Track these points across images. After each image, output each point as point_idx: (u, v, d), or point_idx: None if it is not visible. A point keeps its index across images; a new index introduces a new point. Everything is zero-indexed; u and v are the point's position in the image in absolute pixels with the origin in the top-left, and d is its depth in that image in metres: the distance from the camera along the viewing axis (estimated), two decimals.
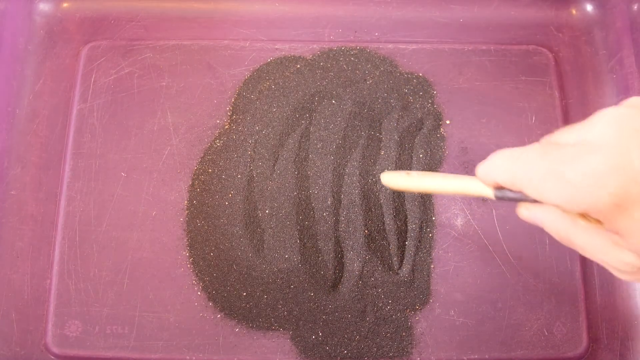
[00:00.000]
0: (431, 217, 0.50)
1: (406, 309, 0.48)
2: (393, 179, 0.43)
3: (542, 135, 0.52)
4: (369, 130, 0.52)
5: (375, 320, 0.48)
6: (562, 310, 0.48)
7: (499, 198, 0.35)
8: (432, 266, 0.49)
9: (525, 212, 0.34)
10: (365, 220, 0.50)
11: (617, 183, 0.27)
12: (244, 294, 0.48)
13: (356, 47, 0.56)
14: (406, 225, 0.50)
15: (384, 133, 0.52)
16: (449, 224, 0.50)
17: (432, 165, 0.52)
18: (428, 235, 0.50)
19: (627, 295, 0.49)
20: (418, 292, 0.49)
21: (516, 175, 0.31)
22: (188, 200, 0.51)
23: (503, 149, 0.32)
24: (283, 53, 0.55)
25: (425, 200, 0.51)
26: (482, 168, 0.34)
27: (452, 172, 0.51)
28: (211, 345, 0.47)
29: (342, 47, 0.56)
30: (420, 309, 0.48)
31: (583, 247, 0.31)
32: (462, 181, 0.38)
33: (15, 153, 0.52)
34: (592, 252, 0.31)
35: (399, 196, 0.50)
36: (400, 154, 0.51)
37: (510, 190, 0.33)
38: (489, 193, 0.36)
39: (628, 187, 0.26)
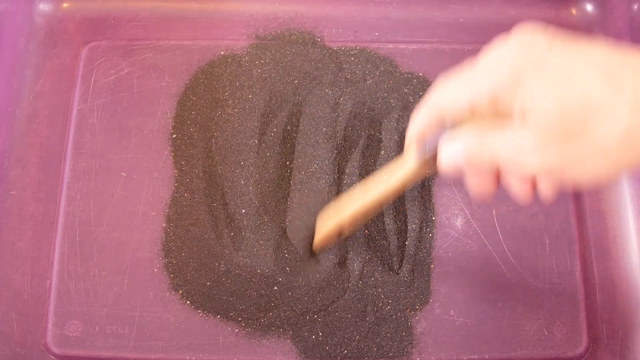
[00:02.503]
0: (431, 217, 0.50)
1: (406, 309, 0.48)
2: (323, 241, 0.45)
3: (418, 156, 0.52)
4: (368, 130, 0.52)
5: (375, 320, 0.48)
6: (562, 310, 0.48)
7: (422, 155, 0.36)
8: (432, 266, 0.49)
9: (446, 151, 0.34)
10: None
11: (514, 55, 0.30)
12: (243, 295, 0.48)
13: (356, 47, 0.56)
14: (406, 225, 0.50)
15: (383, 133, 0.52)
16: (449, 224, 0.50)
17: None
18: (428, 235, 0.50)
19: (627, 295, 0.49)
20: (418, 292, 0.49)
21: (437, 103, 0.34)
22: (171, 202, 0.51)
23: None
24: (282, 53, 0.55)
25: (425, 200, 0.51)
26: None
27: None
28: (211, 345, 0.47)
29: (342, 47, 0.56)
30: (420, 309, 0.48)
31: (499, 152, 0.32)
32: (382, 182, 0.39)
33: (15, 153, 0.52)
34: (508, 154, 0.31)
35: (399, 197, 0.50)
36: (400, 154, 0.51)
37: (429, 139, 0.35)
38: (412, 164, 0.37)
39: (524, 57, 0.30)
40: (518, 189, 0.36)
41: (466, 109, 0.32)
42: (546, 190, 0.36)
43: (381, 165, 0.51)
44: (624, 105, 0.28)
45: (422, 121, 0.35)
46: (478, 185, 0.37)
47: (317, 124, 0.52)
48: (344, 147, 0.52)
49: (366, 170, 0.51)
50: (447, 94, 0.33)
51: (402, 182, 0.38)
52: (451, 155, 0.34)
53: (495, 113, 0.31)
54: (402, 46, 0.56)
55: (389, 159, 0.51)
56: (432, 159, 0.35)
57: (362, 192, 0.42)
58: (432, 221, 0.50)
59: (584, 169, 0.30)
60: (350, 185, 0.50)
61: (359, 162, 0.51)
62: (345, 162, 0.51)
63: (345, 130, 0.52)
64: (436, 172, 0.36)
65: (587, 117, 0.28)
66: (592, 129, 0.29)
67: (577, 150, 0.29)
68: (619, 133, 0.28)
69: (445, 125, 0.33)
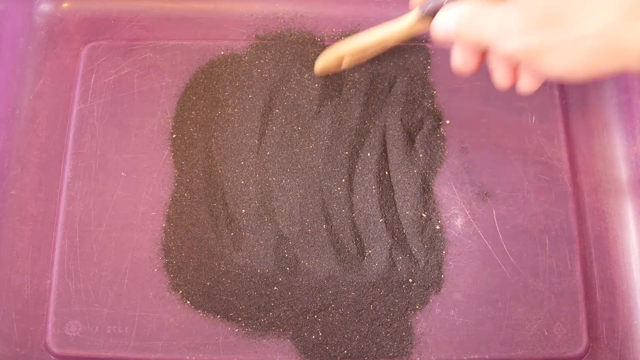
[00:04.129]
0: (431, 216, 0.50)
1: (406, 309, 0.48)
2: (324, 63, 0.50)
3: (542, 135, 0.53)
4: (371, 130, 0.52)
5: (375, 320, 0.48)
6: (562, 310, 0.48)
7: (421, 12, 0.39)
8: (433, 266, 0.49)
9: (441, 16, 0.37)
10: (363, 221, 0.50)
11: None
12: (243, 295, 0.48)
13: None
14: (402, 226, 0.50)
15: (386, 132, 0.52)
16: (449, 224, 0.50)
17: (432, 165, 0.52)
18: (428, 236, 0.50)
19: (627, 295, 0.49)
20: (418, 291, 0.49)
21: None
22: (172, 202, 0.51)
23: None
24: (282, 53, 0.55)
25: (426, 199, 0.51)
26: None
27: (452, 173, 0.52)
28: (211, 345, 0.47)
29: None
30: (420, 309, 0.48)
31: (485, 27, 0.34)
32: (386, 27, 0.44)
33: (15, 153, 0.52)
34: (491, 32, 0.33)
35: (400, 197, 0.50)
36: (405, 149, 0.51)
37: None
38: (413, 19, 0.41)
39: None
40: (499, 72, 0.38)
41: None
42: (525, 79, 0.38)
43: (388, 160, 0.51)
44: (609, 2, 0.29)
45: None
46: (461, 58, 0.39)
47: (317, 124, 0.52)
48: (349, 148, 0.52)
49: (368, 166, 0.51)
50: None
51: (399, 30, 0.43)
52: (444, 21, 0.36)
53: None
54: (402, 46, 0.56)
55: (390, 158, 0.51)
56: (429, 19, 0.38)
57: (364, 34, 0.48)
58: (432, 221, 0.50)
59: (557, 57, 0.31)
60: (354, 182, 0.50)
61: (361, 159, 0.51)
62: (347, 160, 0.51)
63: (346, 130, 0.52)
64: (427, 32, 0.41)
65: (572, 5, 0.30)
66: (574, 18, 0.30)
67: (554, 36, 0.31)
68: (597, 28, 0.29)
69: None
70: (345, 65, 0.51)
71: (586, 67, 0.31)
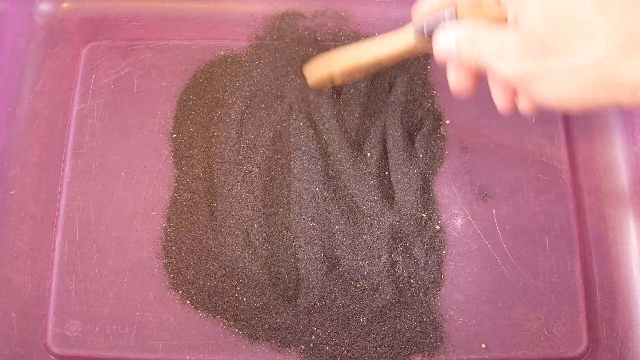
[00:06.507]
0: (431, 216, 0.50)
1: (406, 309, 0.48)
2: (314, 75, 0.48)
3: (542, 135, 0.52)
4: (371, 130, 0.52)
5: (375, 320, 0.48)
6: (562, 310, 0.48)
7: (419, 33, 0.38)
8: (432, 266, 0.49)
9: (441, 36, 0.36)
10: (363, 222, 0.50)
11: None
12: (243, 295, 0.48)
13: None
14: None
15: (385, 128, 0.52)
16: (449, 224, 0.50)
17: (432, 165, 0.52)
18: (428, 236, 0.50)
19: (627, 295, 0.49)
20: (418, 291, 0.49)
21: None
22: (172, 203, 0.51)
23: None
24: (282, 53, 0.55)
25: (426, 199, 0.51)
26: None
27: (452, 173, 0.52)
28: (211, 345, 0.47)
29: (342, 46, 0.56)
30: (420, 309, 0.48)
31: (484, 50, 0.33)
32: (378, 44, 0.42)
33: (15, 153, 0.52)
34: (489, 54, 0.33)
35: (400, 197, 0.50)
36: (405, 148, 0.51)
37: (428, 19, 0.37)
38: (410, 37, 0.39)
39: None
40: (498, 95, 0.38)
41: (473, 1, 0.35)
42: (523, 104, 0.37)
43: (388, 160, 0.51)
44: (606, 34, 0.29)
45: (429, 1, 0.38)
46: (458, 79, 0.39)
47: (317, 124, 0.52)
48: (348, 147, 0.52)
49: (369, 166, 0.51)
50: None
51: (395, 49, 0.42)
52: (444, 42, 0.36)
53: (500, 14, 0.34)
54: None
55: (391, 159, 0.51)
56: (427, 39, 0.38)
57: (357, 48, 0.45)
58: (432, 221, 0.50)
59: (551, 85, 0.31)
60: (354, 182, 0.51)
61: (361, 158, 0.51)
62: (347, 159, 0.51)
63: (347, 130, 0.52)
64: (425, 52, 0.40)
65: (570, 34, 0.29)
66: (570, 47, 0.29)
67: (549, 63, 0.30)
68: (592, 59, 0.29)
69: (449, 12, 0.36)
70: (338, 81, 0.50)
71: (579, 98, 0.30)
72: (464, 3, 0.36)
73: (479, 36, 0.34)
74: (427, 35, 0.37)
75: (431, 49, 0.38)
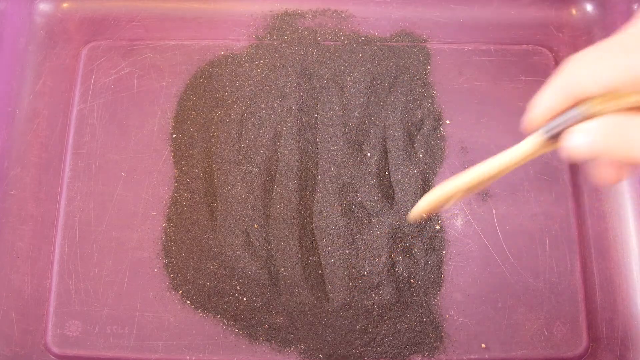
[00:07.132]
0: (431, 216, 0.50)
1: (406, 309, 0.48)
2: (423, 207, 0.39)
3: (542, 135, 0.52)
4: (371, 130, 0.52)
5: (375, 320, 0.48)
6: (562, 310, 0.48)
7: (550, 135, 0.33)
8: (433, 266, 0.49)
9: (579, 136, 0.30)
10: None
11: None
12: (243, 295, 0.48)
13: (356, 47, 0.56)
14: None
15: (386, 132, 0.52)
16: (449, 224, 0.50)
17: (432, 165, 0.52)
18: (428, 236, 0.50)
19: (627, 295, 0.49)
20: (418, 291, 0.49)
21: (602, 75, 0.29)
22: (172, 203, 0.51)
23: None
24: (282, 53, 0.55)
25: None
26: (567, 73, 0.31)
27: (452, 173, 0.52)
28: (211, 345, 0.47)
29: (342, 46, 0.56)
30: (420, 309, 0.48)
31: None
32: (504, 156, 0.37)
33: (15, 153, 0.52)
34: None
35: (400, 197, 0.50)
36: (405, 147, 0.51)
37: (558, 121, 0.32)
38: (537, 140, 0.34)
39: None
40: (608, 172, 0.33)
41: (606, 88, 0.28)
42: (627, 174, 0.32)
43: (388, 160, 0.51)
44: None
45: (550, 99, 0.31)
46: (606, 174, 0.33)
47: (317, 124, 0.52)
48: (349, 147, 0.52)
49: (369, 166, 0.51)
50: (585, 68, 0.28)
51: (519, 158, 0.37)
52: (585, 141, 0.30)
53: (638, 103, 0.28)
54: (402, 46, 0.56)
55: (391, 159, 0.51)
56: (555, 139, 0.33)
57: (478, 168, 0.39)
58: (433, 222, 0.50)
59: None
60: (354, 183, 0.50)
61: (361, 158, 0.51)
62: (347, 159, 0.51)
63: (346, 128, 0.52)
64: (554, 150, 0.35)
65: None
66: None
67: None
68: None
69: (577, 107, 0.30)
70: (453, 202, 0.43)
71: None
72: (595, 90, 0.29)
73: (628, 126, 0.29)
74: (555, 135, 0.33)
75: (557, 147, 0.34)
